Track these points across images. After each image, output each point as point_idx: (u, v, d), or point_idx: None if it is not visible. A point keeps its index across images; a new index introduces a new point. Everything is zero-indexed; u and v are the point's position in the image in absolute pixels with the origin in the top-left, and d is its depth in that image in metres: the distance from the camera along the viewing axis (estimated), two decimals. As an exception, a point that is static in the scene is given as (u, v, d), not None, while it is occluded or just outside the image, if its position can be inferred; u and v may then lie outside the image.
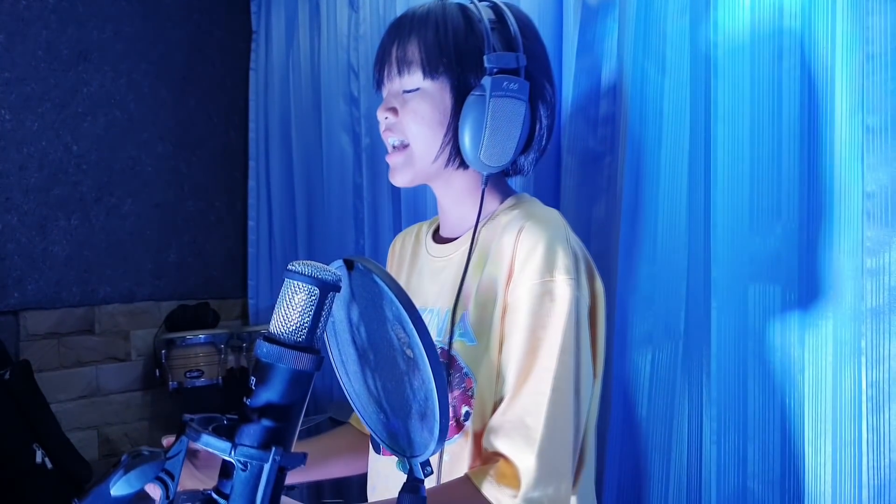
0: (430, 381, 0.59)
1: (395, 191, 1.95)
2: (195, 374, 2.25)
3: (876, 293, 0.94)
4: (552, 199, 1.40)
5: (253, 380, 0.58)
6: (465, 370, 0.91)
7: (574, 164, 1.33)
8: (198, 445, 0.55)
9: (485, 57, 0.89)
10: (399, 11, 1.82)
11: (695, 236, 1.17)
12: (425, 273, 1.04)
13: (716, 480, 1.11)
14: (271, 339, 0.58)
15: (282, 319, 0.58)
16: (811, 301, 1.02)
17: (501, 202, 0.99)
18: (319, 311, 0.58)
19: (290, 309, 0.58)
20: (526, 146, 0.95)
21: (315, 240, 2.36)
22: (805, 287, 1.03)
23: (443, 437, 0.61)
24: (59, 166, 2.34)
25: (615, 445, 1.27)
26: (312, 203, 2.36)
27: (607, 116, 1.30)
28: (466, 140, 0.89)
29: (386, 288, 0.61)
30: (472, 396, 0.90)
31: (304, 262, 0.59)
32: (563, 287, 0.85)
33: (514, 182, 1.12)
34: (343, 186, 2.18)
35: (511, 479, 0.80)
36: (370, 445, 1.06)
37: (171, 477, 0.56)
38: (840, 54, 0.98)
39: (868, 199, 0.94)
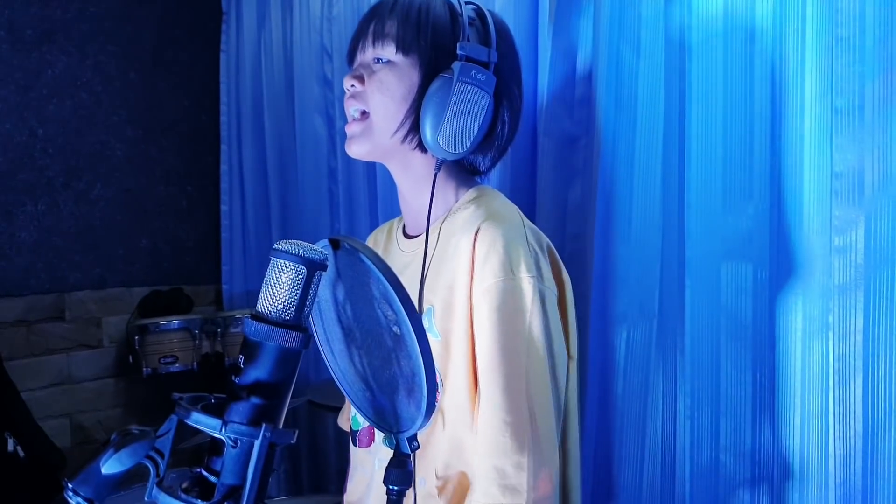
0: (418, 356, 0.60)
1: (371, 174, 1.95)
2: (169, 359, 2.23)
3: (843, 270, 0.97)
4: (528, 182, 1.41)
5: (241, 358, 0.58)
6: None
7: (550, 146, 1.35)
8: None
9: (458, 44, 0.90)
10: (373, -7, 1.82)
11: (669, 217, 1.19)
12: (395, 268, 1.04)
13: (689, 454, 1.14)
14: (259, 317, 0.58)
15: (269, 298, 0.58)
16: (781, 279, 1.05)
17: (462, 194, 0.99)
18: (307, 289, 0.58)
19: (278, 288, 0.58)
20: (484, 142, 0.95)
21: (289, 224, 2.34)
22: (776, 265, 1.06)
23: (430, 412, 0.62)
24: (25, 150, 2.28)
25: (591, 422, 1.29)
26: (286, 187, 2.34)
27: (583, 99, 1.31)
28: (427, 120, 0.90)
29: (373, 266, 0.61)
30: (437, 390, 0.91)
31: (291, 241, 0.59)
32: (525, 284, 0.86)
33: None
34: (317, 170, 2.17)
35: (512, 490, 0.83)
36: (350, 438, 1.08)
37: (161, 455, 0.57)
38: (810, 37, 1.00)
39: (836, 178, 0.97)
